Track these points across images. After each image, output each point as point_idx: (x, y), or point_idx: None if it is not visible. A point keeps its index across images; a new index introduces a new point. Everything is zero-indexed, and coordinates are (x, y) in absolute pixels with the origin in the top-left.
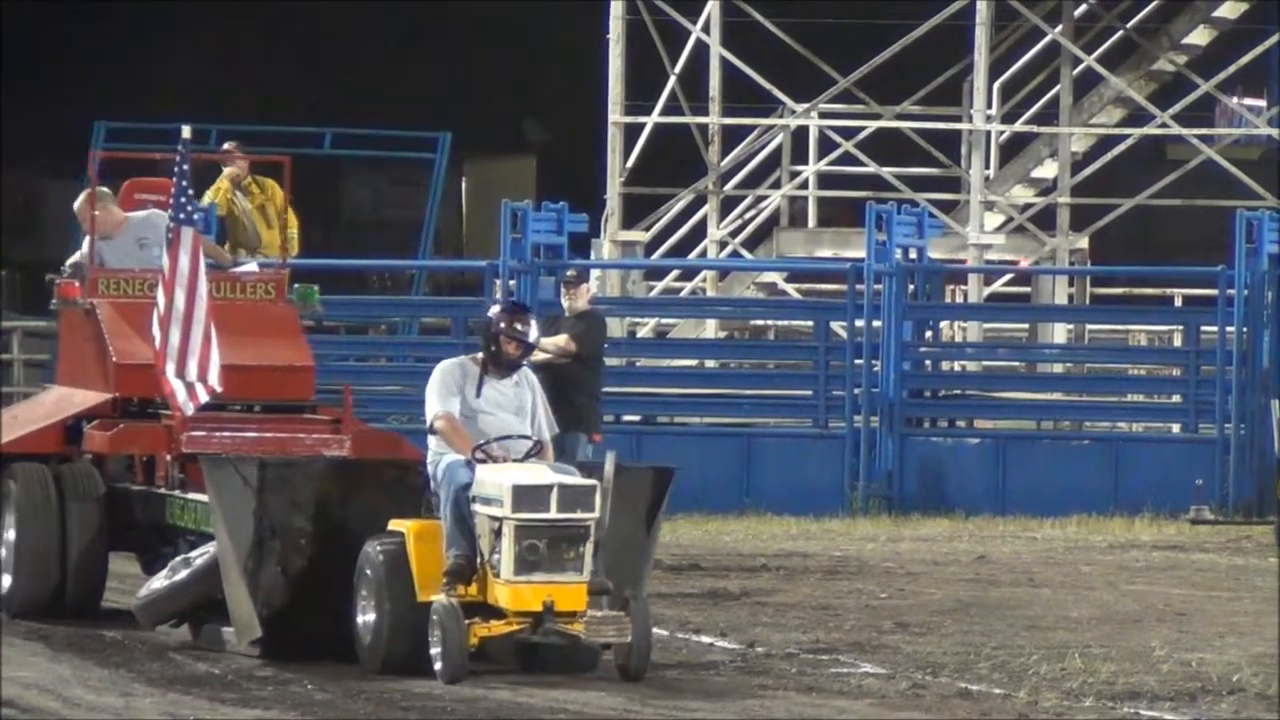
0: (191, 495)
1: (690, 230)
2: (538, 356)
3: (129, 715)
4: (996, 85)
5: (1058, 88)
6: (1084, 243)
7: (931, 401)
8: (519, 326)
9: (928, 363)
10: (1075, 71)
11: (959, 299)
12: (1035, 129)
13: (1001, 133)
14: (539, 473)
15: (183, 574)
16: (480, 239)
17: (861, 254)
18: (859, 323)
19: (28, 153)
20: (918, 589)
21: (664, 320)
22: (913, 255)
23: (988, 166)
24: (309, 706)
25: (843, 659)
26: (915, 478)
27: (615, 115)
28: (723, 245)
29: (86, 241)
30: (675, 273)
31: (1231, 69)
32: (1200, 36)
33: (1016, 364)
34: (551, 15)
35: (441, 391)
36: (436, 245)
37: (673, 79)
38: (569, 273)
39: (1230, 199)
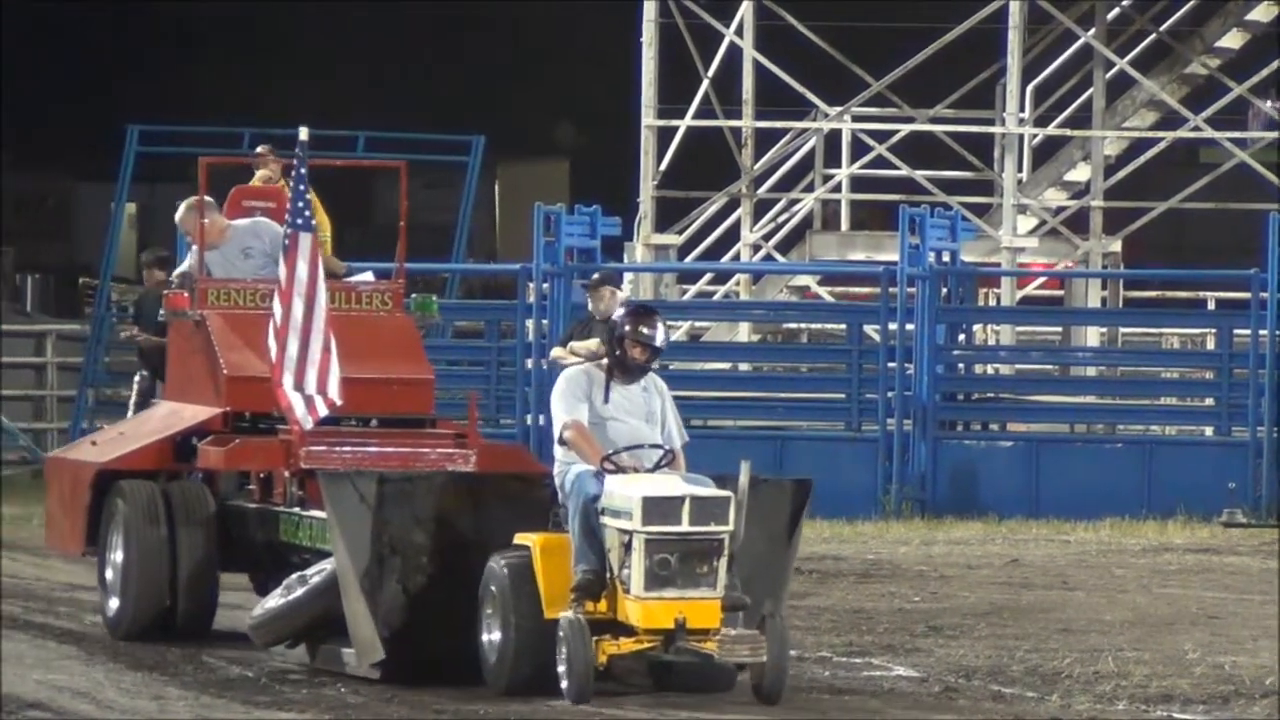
0: (306, 511)
1: (723, 234)
2: (569, 361)
3: (162, 718)
4: (1029, 88)
5: (1090, 91)
6: (1117, 246)
7: (964, 405)
8: (645, 330)
9: (961, 366)
10: (1108, 75)
11: (992, 302)
12: (1068, 132)
13: (1034, 136)
14: (670, 484)
15: (299, 593)
16: (513, 242)
17: (895, 257)
18: (892, 326)
19: (59, 156)
20: (950, 592)
21: (697, 324)
22: (946, 258)
23: (1021, 170)
24: (342, 709)
25: (876, 662)
26: (948, 481)
27: (648, 119)
28: (756, 248)
29: (193, 252)
30: (708, 276)
31: (1265, 72)
32: (1233, 40)
33: (1049, 367)
34: (585, 19)
35: (569, 399)
36: (470, 249)
37: (706, 82)
38: (593, 276)
39: (1263, 202)
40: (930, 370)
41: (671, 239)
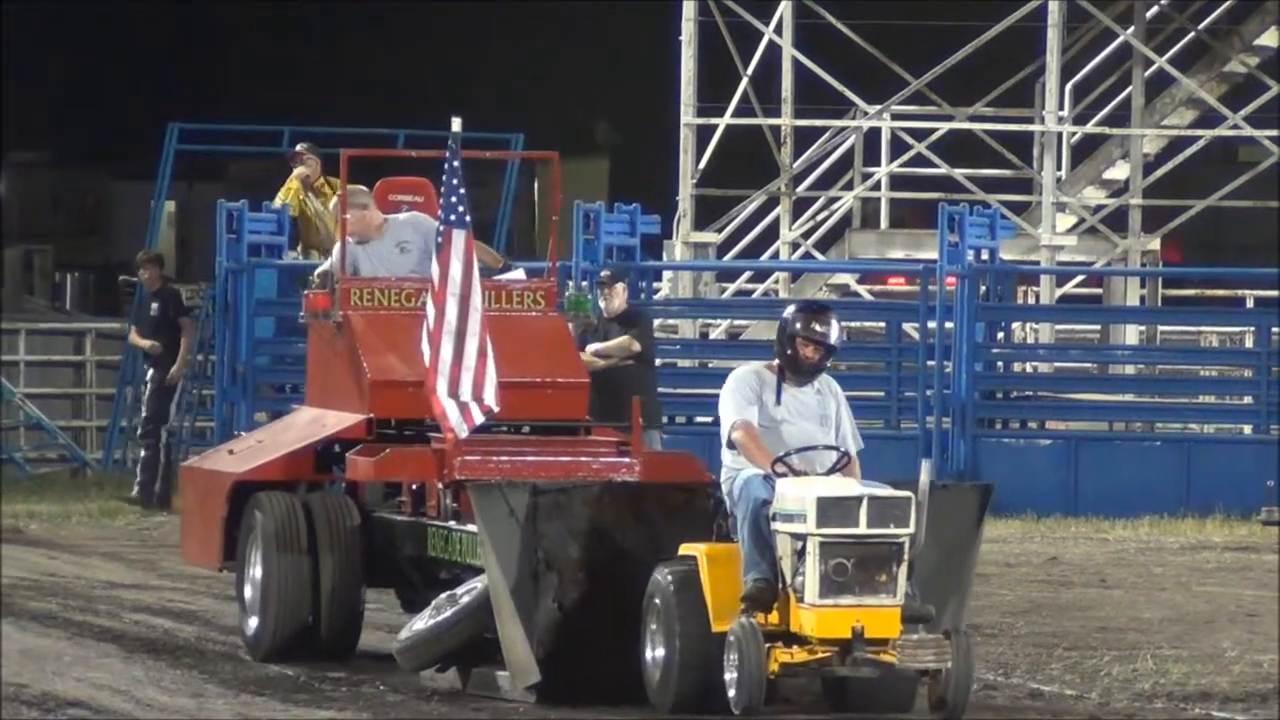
0: (456, 525)
1: (762, 232)
2: (597, 363)
3: (202, 716)
4: (1069, 87)
5: (1129, 89)
6: (1156, 244)
7: (1003, 403)
8: (818, 328)
9: (999, 364)
10: (1147, 73)
11: (1031, 300)
12: (1107, 130)
13: (1073, 134)
14: (846, 484)
15: (448, 612)
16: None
17: (934, 255)
18: (931, 324)
19: (98, 154)
20: (989, 590)
21: (736, 322)
22: (985, 257)
23: (1060, 168)
24: (381, 707)
25: None
26: (987, 479)
27: (687, 117)
28: (795, 247)
29: (336, 249)
30: (747, 274)
31: None
32: (1272, 38)
33: (1088, 365)
34: (624, 17)
35: (738, 400)
36: (509, 247)
37: (745, 81)
38: (603, 273)
39: None
40: (969, 368)
41: (710, 237)
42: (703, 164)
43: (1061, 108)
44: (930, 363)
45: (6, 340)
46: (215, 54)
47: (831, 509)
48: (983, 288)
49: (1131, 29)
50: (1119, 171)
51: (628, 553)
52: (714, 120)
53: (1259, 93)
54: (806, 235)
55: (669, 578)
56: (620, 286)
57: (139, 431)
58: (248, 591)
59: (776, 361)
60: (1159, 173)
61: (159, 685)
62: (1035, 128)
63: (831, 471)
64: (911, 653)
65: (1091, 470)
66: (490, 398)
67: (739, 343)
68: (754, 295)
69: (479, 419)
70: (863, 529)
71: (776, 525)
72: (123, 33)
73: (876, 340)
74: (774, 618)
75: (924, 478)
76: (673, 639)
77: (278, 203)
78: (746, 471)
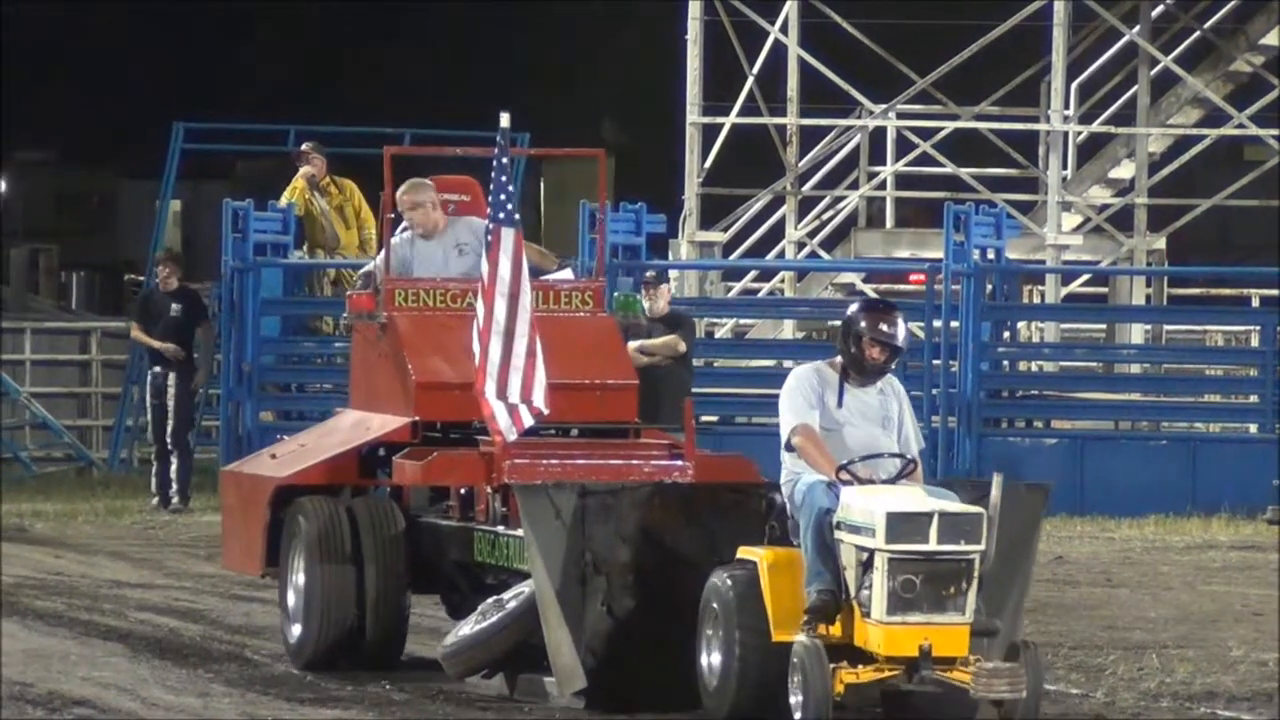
0: (502, 529)
1: (768, 231)
2: (640, 359)
3: (207, 715)
4: (1074, 86)
5: (1135, 88)
6: (1161, 243)
7: (1009, 402)
8: (884, 328)
9: (1005, 363)
10: (1153, 72)
11: (1036, 299)
12: (1113, 129)
13: (1079, 133)
14: (915, 497)
15: (494, 618)
16: (558, 239)
17: (939, 254)
18: (937, 323)
19: (104, 154)
20: None
21: (742, 321)
22: (990, 256)
23: (1065, 167)
24: (387, 706)
25: None
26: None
27: (693, 116)
28: (800, 246)
29: (380, 255)
30: (753, 273)
31: None
32: (1277, 37)
33: (1094, 364)
34: (629, 16)
35: (798, 401)
36: None
37: (750, 80)
38: (649, 274)
39: None
40: (975, 367)
41: (716, 236)
42: (708, 163)
43: (1067, 107)
44: (936, 362)
45: (12, 339)
46: (221, 53)
47: (901, 524)
48: (988, 287)
49: (1137, 28)
50: (1124, 171)
51: (678, 556)
52: (720, 119)
53: (1264, 92)
54: (812, 234)
55: (728, 582)
56: (665, 288)
57: (170, 441)
58: (290, 598)
59: (839, 359)
60: (1164, 172)
61: (165, 684)
62: (1041, 127)
63: (898, 478)
64: (986, 682)
65: (1097, 469)
66: (539, 400)
67: (744, 341)
68: (760, 294)
69: (528, 421)
70: (933, 545)
71: (841, 535)
72: (128, 31)
73: None
74: (836, 629)
75: (995, 492)
76: (731, 646)
77: (283, 202)
78: (808, 477)
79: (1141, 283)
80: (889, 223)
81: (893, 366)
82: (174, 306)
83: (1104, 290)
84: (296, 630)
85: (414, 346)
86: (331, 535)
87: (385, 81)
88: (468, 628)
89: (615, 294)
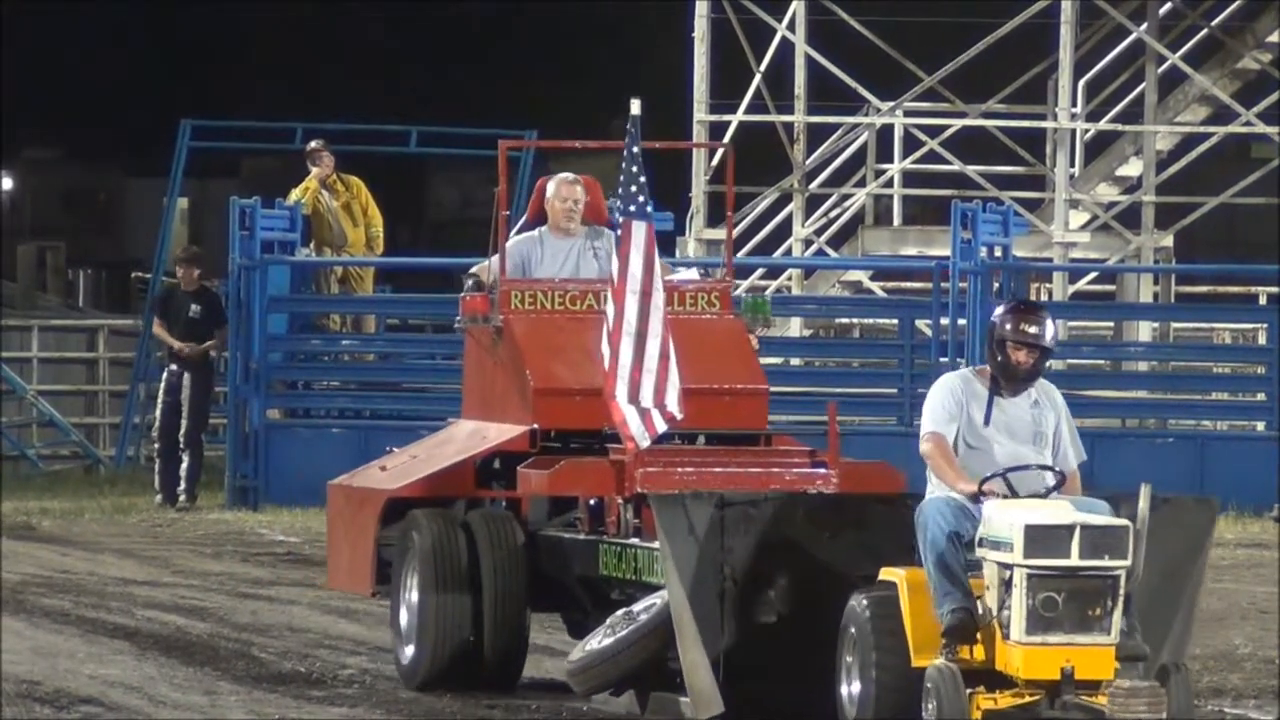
0: (637, 541)
1: (775, 228)
2: None
3: (214, 713)
4: (1081, 83)
5: (1142, 86)
6: (1169, 241)
7: None
8: (1029, 329)
9: None
10: (1160, 70)
11: (1044, 297)
12: (1120, 127)
13: (1086, 131)
14: (1058, 510)
15: (625, 632)
16: None
17: (947, 252)
18: (944, 321)
19: (111, 151)
20: None
21: None
22: (998, 253)
23: (1072, 165)
24: (394, 705)
25: None
26: None
27: (700, 114)
28: (808, 244)
29: (518, 244)
30: (760, 271)
31: None
32: None
33: (1101, 362)
34: (637, 14)
35: (937, 412)
36: None
37: (758, 77)
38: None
39: None
40: (983, 365)
41: (723, 234)
42: (715, 160)
43: (1074, 104)
44: (943, 359)
45: (19, 337)
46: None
47: (1040, 538)
48: (996, 284)
49: (1144, 26)
50: (1132, 168)
51: (823, 571)
52: (727, 117)
53: (1271, 89)
54: (819, 232)
55: (865, 605)
56: None
57: (183, 440)
58: (403, 618)
59: (988, 367)
60: (1172, 169)
61: (172, 682)
62: (1048, 124)
63: (1049, 494)
64: (1123, 703)
65: (1104, 467)
66: (673, 404)
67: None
68: (767, 292)
69: (661, 427)
70: (1075, 560)
71: (983, 551)
72: (135, 30)
73: (889, 337)
74: (979, 653)
75: (1143, 504)
76: (868, 673)
77: (292, 199)
78: (932, 494)
79: (1149, 280)
80: (896, 220)
81: (1044, 368)
82: (193, 307)
83: (1111, 288)
84: (409, 651)
85: (532, 351)
86: (446, 551)
87: (395, 82)
88: (595, 641)
89: (745, 296)
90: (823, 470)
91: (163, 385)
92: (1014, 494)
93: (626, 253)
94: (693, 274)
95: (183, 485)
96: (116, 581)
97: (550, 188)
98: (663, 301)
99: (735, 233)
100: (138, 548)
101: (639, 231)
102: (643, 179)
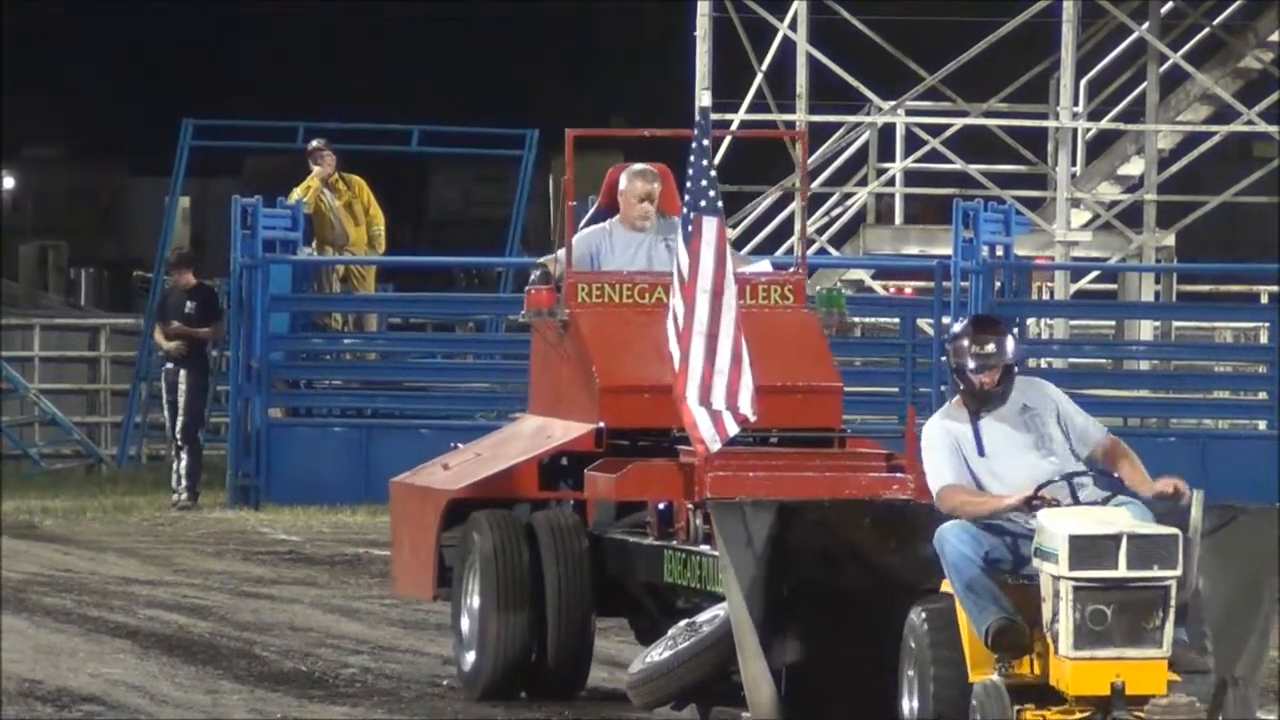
0: (707, 548)
1: (777, 228)
2: None
3: (216, 712)
4: (1083, 82)
5: (1144, 85)
6: (1170, 240)
7: None
8: (985, 348)
9: None
10: (1162, 69)
11: (1045, 296)
12: (1122, 126)
13: (1088, 130)
14: (1107, 518)
15: (686, 644)
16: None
17: (948, 251)
18: (946, 320)
19: (113, 151)
20: None
21: None
22: (999, 252)
23: (1074, 164)
24: (396, 704)
25: None
26: None
27: None
28: (809, 242)
29: (591, 238)
30: None
31: None
32: None
33: (1102, 361)
34: (638, 13)
35: (938, 465)
36: (524, 242)
37: (759, 76)
38: None
39: None
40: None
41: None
42: (717, 159)
43: (1076, 103)
44: (944, 359)
45: (21, 335)
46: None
47: (1086, 548)
48: (997, 283)
49: (1146, 25)
50: (1133, 167)
51: (891, 581)
52: (728, 116)
53: (1273, 88)
54: (821, 231)
55: (924, 619)
56: None
57: (179, 437)
58: (464, 623)
59: (958, 399)
60: (1173, 168)
61: (174, 681)
62: (1050, 123)
63: (1107, 500)
64: (1161, 716)
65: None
66: (746, 406)
67: None
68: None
69: (733, 430)
70: (1122, 571)
71: (1038, 562)
72: (138, 29)
73: (891, 336)
74: (1036, 668)
75: (1195, 512)
76: (926, 688)
77: (294, 198)
78: (953, 523)
79: (1150, 279)
80: (898, 219)
81: (1013, 381)
82: (188, 304)
83: (1113, 287)
84: (471, 658)
85: (599, 346)
86: (509, 554)
87: (396, 80)
88: (656, 653)
89: (819, 288)
90: (900, 475)
91: (163, 384)
92: (1076, 500)
93: (697, 248)
94: (765, 265)
95: (184, 483)
96: (118, 580)
97: (623, 181)
98: (735, 300)
99: (737, 232)
100: (139, 547)
101: (710, 227)
102: (713, 173)
